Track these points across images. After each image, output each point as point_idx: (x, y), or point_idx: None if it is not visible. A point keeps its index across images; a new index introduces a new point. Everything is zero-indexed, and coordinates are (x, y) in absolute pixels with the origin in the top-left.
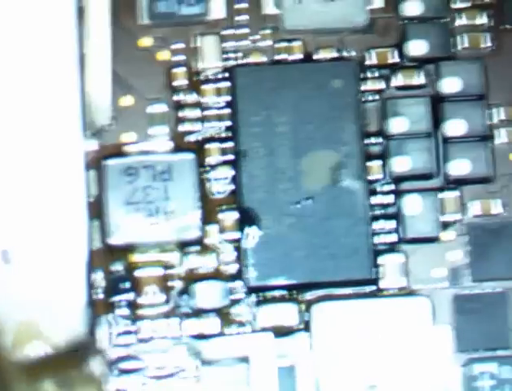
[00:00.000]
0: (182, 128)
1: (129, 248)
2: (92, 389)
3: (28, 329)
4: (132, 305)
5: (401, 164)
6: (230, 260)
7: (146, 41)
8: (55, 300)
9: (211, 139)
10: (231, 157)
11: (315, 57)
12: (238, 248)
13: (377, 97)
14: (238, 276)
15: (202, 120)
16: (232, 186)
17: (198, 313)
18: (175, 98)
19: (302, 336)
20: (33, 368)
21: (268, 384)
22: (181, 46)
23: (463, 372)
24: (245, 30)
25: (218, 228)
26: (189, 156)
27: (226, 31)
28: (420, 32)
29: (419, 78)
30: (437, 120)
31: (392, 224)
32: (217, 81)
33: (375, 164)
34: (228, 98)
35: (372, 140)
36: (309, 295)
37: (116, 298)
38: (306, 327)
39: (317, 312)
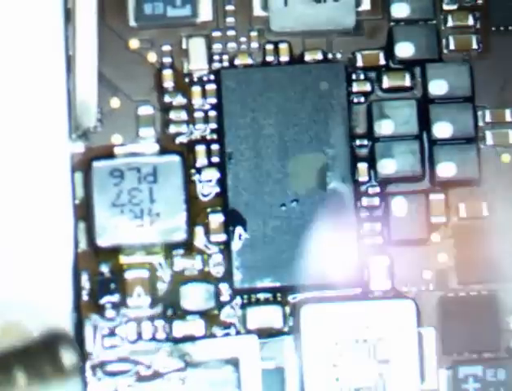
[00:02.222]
0: (168, 130)
1: (115, 250)
2: (64, 381)
3: (13, 329)
4: (118, 307)
5: (388, 166)
6: (216, 262)
7: (133, 43)
8: (41, 303)
9: (198, 141)
10: (217, 159)
11: (302, 59)
12: (224, 251)
13: (363, 99)
14: (224, 278)
15: (189, 122)
16: (218, 189)
17: (184, 315)
18: (162, 100)
19: (288, 338)
20: (5, 360)
21: (254, 386)
22: (168, 48)
23: (448, 375)
24: (232, 32)
25: (204, 230)
26: (175, 158)
27: (213, 33)
28: (407, 35)
29: (406, 80)
30: (424, 122)
31: (378, 226)
32: (204, 83)
33: (362, 167)
34: (215, 100)
35: (360, 142)
36: (295, 297)
37: (102, 300)
38: (293, 329)
39: (303, 314)
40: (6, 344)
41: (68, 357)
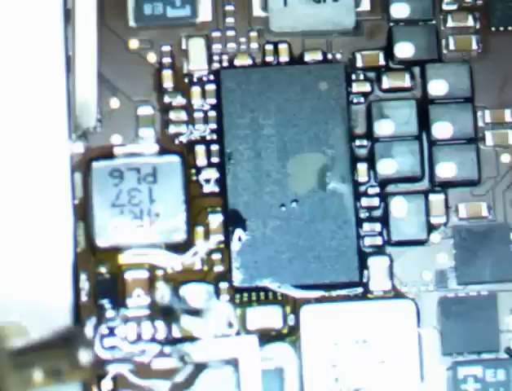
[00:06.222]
0: (168, 130)
1: (114, 251)
2: (80, 378)
3: (13, 330)
4: (118, 308)
5: (387, 166)
6: (216, 262)
7: (133, 44)
8: (40, 303)
9: (197, 142)
10: (217, 160)
11: (301, 59)
12: (224, 251)
13: (363, 99)
14: (224, 278)
15: (189, 122)
16: (218, 189)
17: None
18: (162, 100)
19: (288, 338)
20: (22, 357)
21: (253, 386)
22: (168, 48)
23: (448, 375)
24: (232, 33)
25: (203, 230)
26: (175, 159)
27: (212, 33)
28: (407, 35)
29: (406, 81)
30: (423, 122)
31: (378, 227)
32: (204, 83)
33: (361, 167)
34: (215, 100)
35: (359, 143)
36: (295, 297)
37: (101, 300)
38: (292, 329)
39: (303, 314)
40: (7, 344)
41: (84, 355)
